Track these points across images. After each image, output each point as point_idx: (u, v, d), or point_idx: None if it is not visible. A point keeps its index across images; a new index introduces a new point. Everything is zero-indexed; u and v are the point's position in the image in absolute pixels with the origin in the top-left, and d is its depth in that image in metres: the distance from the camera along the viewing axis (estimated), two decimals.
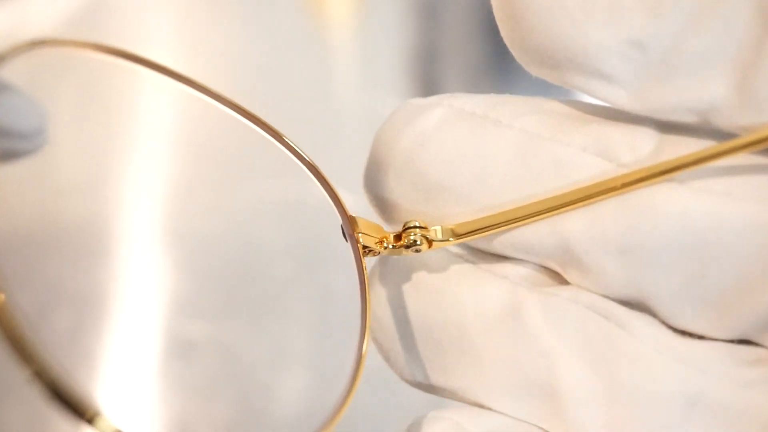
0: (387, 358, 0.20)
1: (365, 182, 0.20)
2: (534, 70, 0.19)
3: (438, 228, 0.19)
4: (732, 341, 0.18)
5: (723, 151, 0.17)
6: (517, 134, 0.19)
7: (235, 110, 0.18)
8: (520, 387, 0.19)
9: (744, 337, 0.18)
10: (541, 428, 0.19)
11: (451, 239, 0.19)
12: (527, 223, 0.19)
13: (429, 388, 0.20)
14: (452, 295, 0.19)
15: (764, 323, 0.18)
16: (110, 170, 0.41)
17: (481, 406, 0.19)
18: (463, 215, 0.19)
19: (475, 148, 0.19)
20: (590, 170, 0.18)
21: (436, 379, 0.20)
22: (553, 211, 0.18)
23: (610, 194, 0.18)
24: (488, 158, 0.19)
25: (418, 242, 0.19)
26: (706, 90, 0.17)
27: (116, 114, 0.42)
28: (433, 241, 0.19)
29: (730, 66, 0.17)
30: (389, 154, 0.19)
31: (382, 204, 0.20)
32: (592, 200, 0.18)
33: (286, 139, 0.18)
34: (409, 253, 0.19)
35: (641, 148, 0.18)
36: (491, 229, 0.19)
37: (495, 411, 0.19)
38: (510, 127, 0.19)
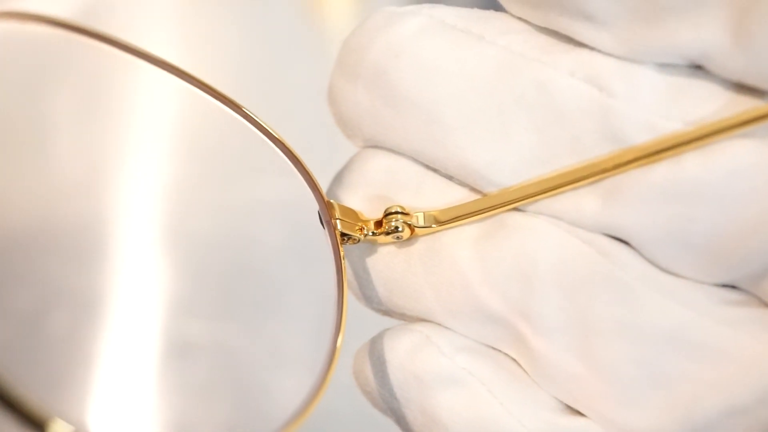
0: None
1: (329, 95, 0.19)
2: (516, 10, 0.18)
3: (420, 214, 0.18)
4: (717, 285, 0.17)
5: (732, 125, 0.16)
6: (500, 52, 0.17)
7: (188, 80, 0.17)
8: (482, 311, 0.18)
9: (732, 284, 0.17)
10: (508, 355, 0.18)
11: (434, 226, 0.18)
12: (513, 208, 0.18)
13: (389, 312, 0.19)
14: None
15: (756, 273, 0.16)
16: (106, 170, 0.41)
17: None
18: (427, 139, 0.18)
19: (453, 64, 0.17)
20: (577, 96, 0.17)
21: (396, 303, 0.19)
22: (537, 195, 0.17)
23: (601, 176, 0.17)
24: (466, 76, 0.17)
25: (400, 229, 0.18)
26: (697, 33, 0.16)
27: (112, 113, 0.41)
28: (416, 227, 0.18)
29: (725, 5, 0.16)
30: (359, 63, 0.18)
31: (347, 120, 0.18)
32: (580, 183, 0.17)
33: (247, 110, 0.17)
34: (389, 240, 0.18)
35: (637, 83, 0.17)
36: (475, 215, 0.18)
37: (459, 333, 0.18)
38: (493, 44, 0.17)
